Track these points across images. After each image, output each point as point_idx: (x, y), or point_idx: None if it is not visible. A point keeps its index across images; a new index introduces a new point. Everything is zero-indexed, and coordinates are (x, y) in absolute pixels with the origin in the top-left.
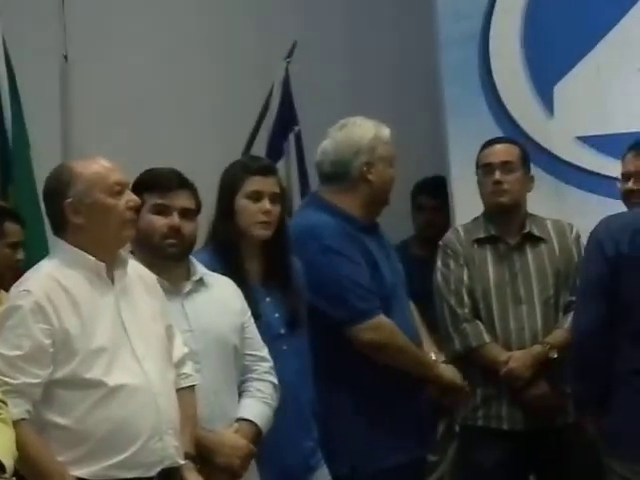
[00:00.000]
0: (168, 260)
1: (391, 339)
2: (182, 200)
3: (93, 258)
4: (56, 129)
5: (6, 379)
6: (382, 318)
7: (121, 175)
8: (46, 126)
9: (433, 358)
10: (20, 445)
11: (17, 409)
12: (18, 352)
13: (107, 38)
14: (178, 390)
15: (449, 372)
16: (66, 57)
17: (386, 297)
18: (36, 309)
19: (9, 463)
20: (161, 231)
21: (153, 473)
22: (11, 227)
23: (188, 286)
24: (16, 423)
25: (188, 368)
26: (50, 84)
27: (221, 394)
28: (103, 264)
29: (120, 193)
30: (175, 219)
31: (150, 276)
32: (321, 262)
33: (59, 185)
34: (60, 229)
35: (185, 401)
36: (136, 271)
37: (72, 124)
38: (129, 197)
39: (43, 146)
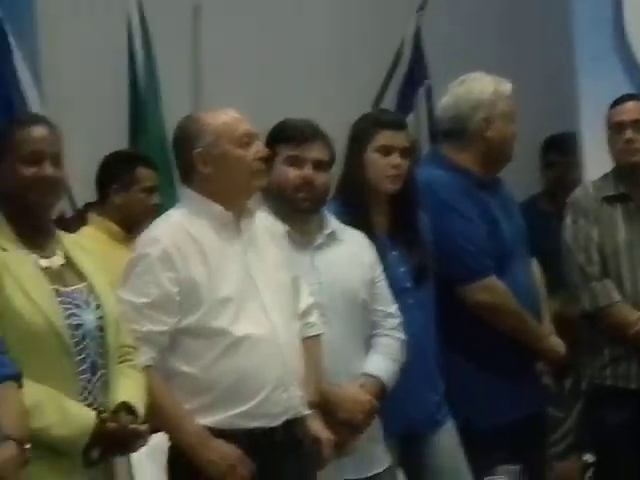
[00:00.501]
0: (300, 212)
1: (502, 301)
2: (316, 152)
3: (221, 208)
4: (187, 80)
5: (133, 326)
6: (494, 279)
7: (249, 126)
8: (177, 77)
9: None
10: (147, 391)
11: (144, 356)
12: (145, 300)
13: None
14: (303, 339)
15: (558, 347)
16: (198, 7)
17: (503, 255)
18: (164, 257)
19: (141, 409)
20: (294, 183)
21: (278, 423)
22: (144, 172)
23: (319, 239)
24: (142, 370)
25: (314, 318)
26: (182, 35)
27: (347, 348)
28: (231, 214)
29: (248, 144)
30: (308, 171)
31: (278, 227)
32: (436, 218)
33: (188, 135)
34: (188, 179)
35: (310, 350)
36: (263, 222)
37: (203, 75)
38: (257, 148)
39: (174, 97)
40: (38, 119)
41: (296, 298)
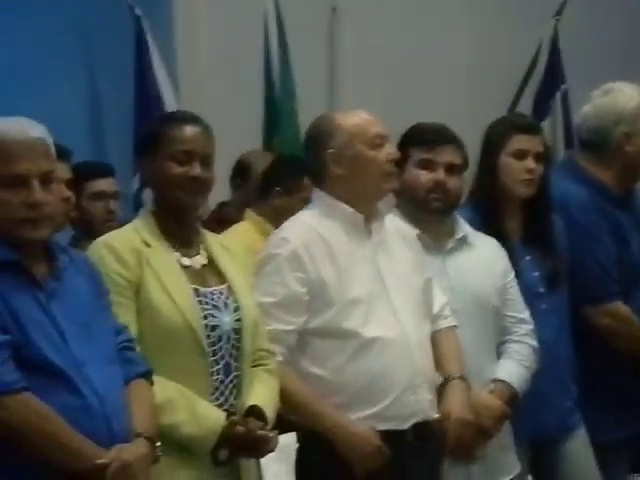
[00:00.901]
0: (432, 215)
1: (625, 327)
2: (448, 155)
3: (352, 209)
4: (322, 81)
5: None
6: (618, 305)
7: (381, 127)
8: (313, 78)
9: None
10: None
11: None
12: (271, 299)
13: None
14: (439, 330)
15: None
16: (335, 9)
17: (631, 279)
18: (293, 258)
19: (271, 414)
20: (426, 186)
21: (407, 426)
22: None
23: (451, 243)
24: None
25: (448, 312)
26: (318, 36)
27: (478, 353)
28: (361, 216)
29: (380, 145)
30: (441, 174)
31: (409, 230)
32: (567, 236)
33: (321, 135)
34: (320, 180)
35: (447, 339)
36: (394, 224)
37: (338, 77)
38: (389, 149)
39: (309, 97)
40: (192, 118)
41: (429, 300)
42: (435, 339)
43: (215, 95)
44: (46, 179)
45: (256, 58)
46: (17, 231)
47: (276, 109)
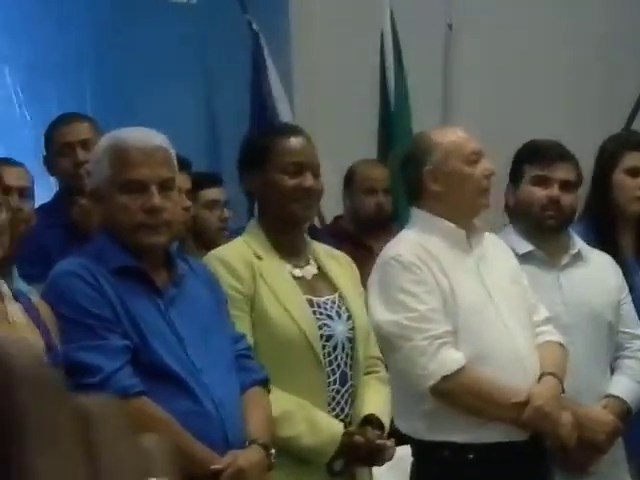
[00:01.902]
0: (546, 232)
1: None
2: (563, 172)
3: (452, 225)
4: (438, 97)
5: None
6: None
7: (477, 144)
8: (428, 94)
9: None
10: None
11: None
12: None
13: (490, 8)
14: (544, 343)
15: None
16: (450, 26)
17: None
18: (411, 268)
19: (387, 422)
20: (540, 202)
21: (523, 437)
22: None
23: (565, 259)
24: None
25: (550, 327)
26: (434, 53)
27: (591, 368)
28: (463, 231)
29: (476, 162)
30: (555, 191)
31: (503, 244)
32: None
33: (418, 153)
34: (417, 197)
35: (551, 352)
36: (491, 239)
37: (454, 93)
38: (485, 165)
39: (424, 113)
40: (296, 130)
41: (530, 309)
42: (539, 350)
43: (330, 110)
44: (166, 186)
45: (372, 74)
46: (136, 236)
47: (391, 125)
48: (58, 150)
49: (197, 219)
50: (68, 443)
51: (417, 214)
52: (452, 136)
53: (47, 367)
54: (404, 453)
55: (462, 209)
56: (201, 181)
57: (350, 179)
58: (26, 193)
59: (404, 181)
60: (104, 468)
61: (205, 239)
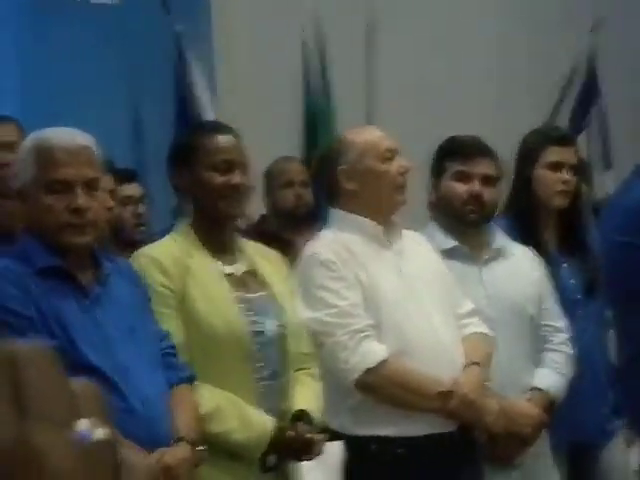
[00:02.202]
0: (468, 227)
1: None
2: (483, 167)
3: (370, 221)
4: (361, 98)
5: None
6: None
7: (392, 142)
8: (351, 94)
9: None
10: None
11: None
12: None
13: (411, 7)
14: (469, 335)
15: None
16: (372, 25)
17: None
18: (328, 265)
19: (317, 418)
20: (462, 197)
21: (451, 429)
22: None
23: (487, 254)
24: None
25: (476, 320)
26: (356, 52)
27: (515, 362)
28: (380, 227)
29: (391, 159)
30: (476, 186)
31: (421, 238)
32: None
33: (333, 153)
34: (334, 197)
35: (476, 343)
36: (410, 236)
37: (376, 93)
38: (400, 163)
39: (348, 115)
40: (225, 128)
41: (455, 301)
42: (464, 342)
43: (254, 112)
44: (90, 186)
45: (295, 74)
46: (61, 236)
47: (315, 126)
48: None
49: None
50: None
51: (334, 213)
52: (367, 135)
53: None
54: (332, 449)
55: (378, 206)
56: (115, 177)
57: (269, 177)
58: None
59: (321, 182)
60: (32, 410)
61: (122, 236)
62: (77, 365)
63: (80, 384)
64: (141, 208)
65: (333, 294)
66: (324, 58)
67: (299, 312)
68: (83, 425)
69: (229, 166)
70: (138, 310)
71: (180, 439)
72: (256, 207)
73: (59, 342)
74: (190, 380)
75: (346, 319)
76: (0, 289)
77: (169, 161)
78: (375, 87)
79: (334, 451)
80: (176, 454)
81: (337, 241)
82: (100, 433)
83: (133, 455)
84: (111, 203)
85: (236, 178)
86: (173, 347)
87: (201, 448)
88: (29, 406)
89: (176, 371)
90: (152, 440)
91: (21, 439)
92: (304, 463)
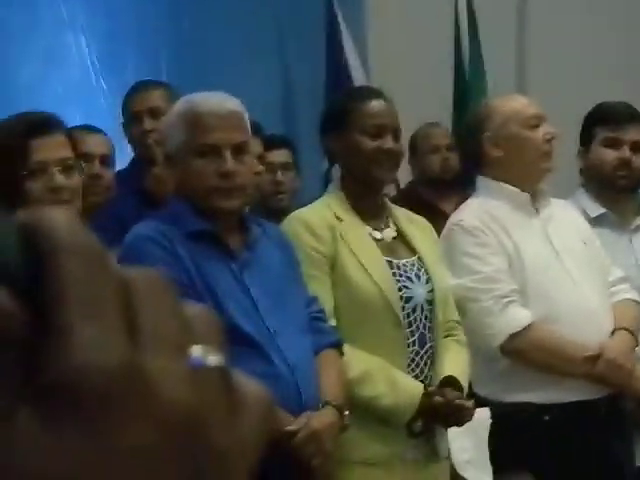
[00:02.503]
0: (618, 193)
1: None
2: (633, 133)
3: (516, 189)
4: (511, 63)
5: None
6: None
7: (537, 109)
8: (502, 60)
9: None
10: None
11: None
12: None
13: None
14: (619, 301)
15: None
16: None
17: None
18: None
19: (465, 384)
20: (611, 164)
21: (597, 396)
22: None
23: (637, 221)
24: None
25: (625, 286)
26: (507, 17)
27: None
28: (527, 194)
29: (536, 126)
30: (626, 152)
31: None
32: None
33: (477, 121)
34: (480, 164)
35: (626, 310)
36: (558, 204)
37: (527, 59)
38: (546, 129)
39: (498, 80)
40: (378, 93)
41: (604, 269)
42: (614, 309)
43: (405, 77)
44: (239, 151)
45: (447, 42)
46: (210, 200)
47: (466, 92)
48: (129, 118)
49: None
50: (108, 313)
51: (481, 181)
52: (512, 102)
53: (89, 236)
54: (480, 416)
55: (524, 173)
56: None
57: (414, 144)
58: (107, 161)
59: (467, 149)
60: (144, 334)
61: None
62: (225, 329)
63: (195, 310)
64: (282, 176)
65: (478, 260)
66: (475, 26)
67: (446, 278)
68: (197, 351)
69: (381, 131)
70: (286, 274)
71: (327, 403)
72: (406, 174)
73: (207, 306)
74: (338, 345)
75: (491, 284)
76: (150, 252)
77: (321, 126)
78: (526, 56)
79: (482, 417)
80: (323, 418)
81: (483, 209)
82: (214, 360)
83: (249, 384)
84: (259, 168)
85: (388, 143)
86: (321, 311)
87: (347, 413)
88: (141, 331)
89: (324, 335)
90: (299, 405)
91: (131, 364)
92: (452, 429)
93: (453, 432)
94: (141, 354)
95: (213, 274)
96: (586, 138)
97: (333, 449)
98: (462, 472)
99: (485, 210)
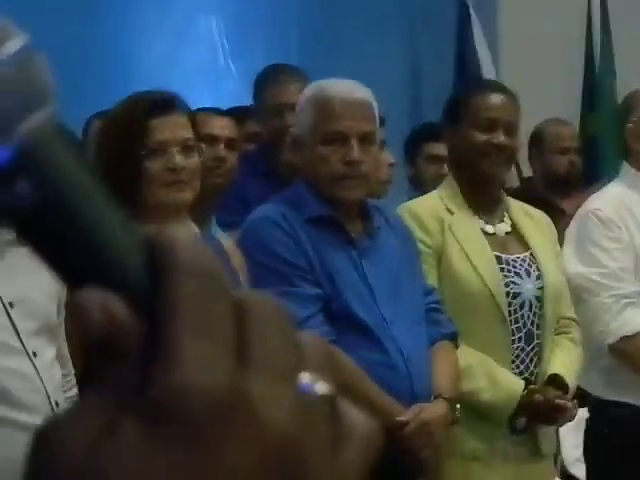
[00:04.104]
0: None
1: None
2: None
3: None
4: None
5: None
6: None
7: None
8: (634, 54)
9: None
10: None
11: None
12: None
13: None
14: None
15: None
16: None
17: None
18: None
19: (572, 383)
20: None
21: None
22: None
23: None
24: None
25: None
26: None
27: None
28: None
29: None
30: None
31: None
32: None
33: (623, 109)
34: (624, 153)
35: None
36: None
37: None
38: None
39: (630, 74)
40: (497, 86)
41: None
42: None
43: (534, 69)
44: (366, 140)
45: (578, 35)
46: (334, 188)
47: (595, 86)
48: (267, 108)
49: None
50: (220, 334)
51: (625, 168)
52: None
53: (210, 258)
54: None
55: None
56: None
57: (539, 139)
58: (232, 144)
59: (618, 138)
60: (254, 359)
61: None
62: (341, 316)
63: (309, 338)
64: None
65: (606, 254)
66: (607, 20)
67: (568, 265)
68: (306, 379)
69: (493, 125)
70: (406, 264)
71: (438, 396)
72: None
73: (325, 292)
74: (453, 337)
75: (614, 282)
76: (272, 236)
77: (443, 118)
78: None
79: None
80: (434, 411)
81: (621, 199)
82: (322, 388)
83: (356, 414)
84: (390, 160)
85: (499, 137)
86: (438, 302)
87: (458, 406)
88: (251, 355)
89: (439, 327)
90: (411, 395)
91: (236, 387)
92: (564, 427)
93: (564, 429)
94: (248, 377)
95: (332, 260)
96: None
97: (442, 442)
98: (572, 470)
99: (624, 203)
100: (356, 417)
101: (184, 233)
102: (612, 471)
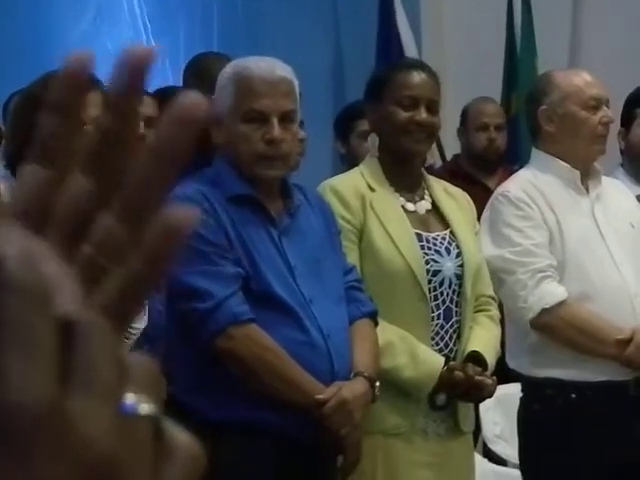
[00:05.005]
0: None
1: None
2: None
3: (567, 165)
4: (564, 38)
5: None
6: None
7: (600, 90)
8: (554, 34)
9: None
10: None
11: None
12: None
13: None
14: None
15: None
16: None
17: None
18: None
19: (491, 360)
20: None
21: (628, 377)
22: None
23: None
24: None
25: None
26: None
27: None
28: (577, 172)
29: (595, 108)
30: None
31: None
32: None
33: (536, 92)
34: (536, 137)
35: None
36: (610, 183)
37: (581, 33)
38: (604, 113)
39: (551, 55)
40: (418, 64)
41: None
42: None
43: (456, 50)
44: (286, 118)
45: (499, 15)
46: (254, 167)
47: (516, 66)
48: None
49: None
50: (41, 356)
51: (535, 153)
52: (575, 79)
53: (38, 272)
54: (512, 391)
55: (576, 153)
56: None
57: (464, 117)
58: (152, 123)
59: (526, 119)
60: (76, 375)
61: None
62: (261, 294)
63: (138, 359)
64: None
65: (518, 232)
66: (528, 2)
67: (484, 249)
68: (130, 398)
69: (415, 102)
70: (326, 242)
71: (358, 374)
72: (456, 146)
73: (245, 271)
74: (373, 315)
75: (528, 258)
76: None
77: (365, 96)
78: (579, 33)
79: (513, 392)
80: (353, 389)
81: (531, 182)
82: (146, 409)
83: (180, 436)
84: (303, 134)
85: (421, 114)
86: (358, 280)
87: (378, 385)
88: (74, 374)
89: (359, 305)
90: (331, 374)
91: (53, 405)
92: (483, 404)
93: (484, 406)
94: (67, 396)
95: (252, 239)
96: (627, 119)
97: (362, 420)
98: (492, 445)
99: (533, 184)
100: (180, 438)
101: (15, 245)
102: (543, 448)
